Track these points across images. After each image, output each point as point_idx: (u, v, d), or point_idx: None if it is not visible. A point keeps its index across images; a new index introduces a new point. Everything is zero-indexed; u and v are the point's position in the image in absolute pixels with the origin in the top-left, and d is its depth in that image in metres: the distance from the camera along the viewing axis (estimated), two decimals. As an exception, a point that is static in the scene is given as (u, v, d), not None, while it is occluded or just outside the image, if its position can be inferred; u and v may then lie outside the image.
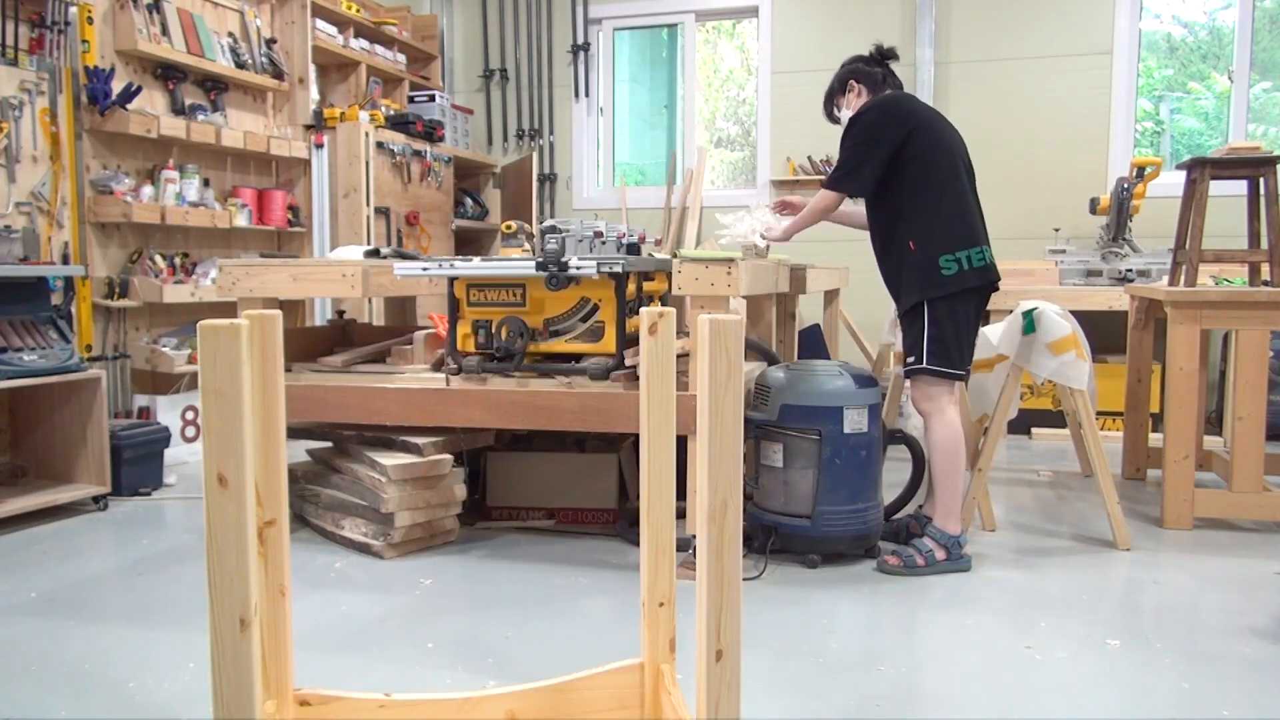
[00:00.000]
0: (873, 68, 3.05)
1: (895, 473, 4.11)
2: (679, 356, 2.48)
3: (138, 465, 3.79)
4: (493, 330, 2.98)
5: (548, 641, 2.33)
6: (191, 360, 4.31)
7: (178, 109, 4.54)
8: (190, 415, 4.38)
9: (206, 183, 4.71)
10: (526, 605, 2.57)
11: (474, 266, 2.94)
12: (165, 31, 4.42)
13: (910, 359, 2.89)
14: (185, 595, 2.65)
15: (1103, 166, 5.59)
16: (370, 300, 4.90)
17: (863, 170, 2.89)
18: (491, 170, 6.68)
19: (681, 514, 2.87)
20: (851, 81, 3.05)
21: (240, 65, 4.83)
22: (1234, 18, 5.49)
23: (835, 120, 3.14)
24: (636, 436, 2.96)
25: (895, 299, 2.99)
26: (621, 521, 3.24)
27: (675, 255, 2.83)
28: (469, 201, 6.49)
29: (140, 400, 4.31)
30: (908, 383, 3.01)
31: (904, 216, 2.90)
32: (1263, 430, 3.28)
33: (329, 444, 3.38)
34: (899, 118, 2.88)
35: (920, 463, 3.26)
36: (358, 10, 5.71)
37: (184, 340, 4.41)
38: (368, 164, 5.21)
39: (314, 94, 5.30)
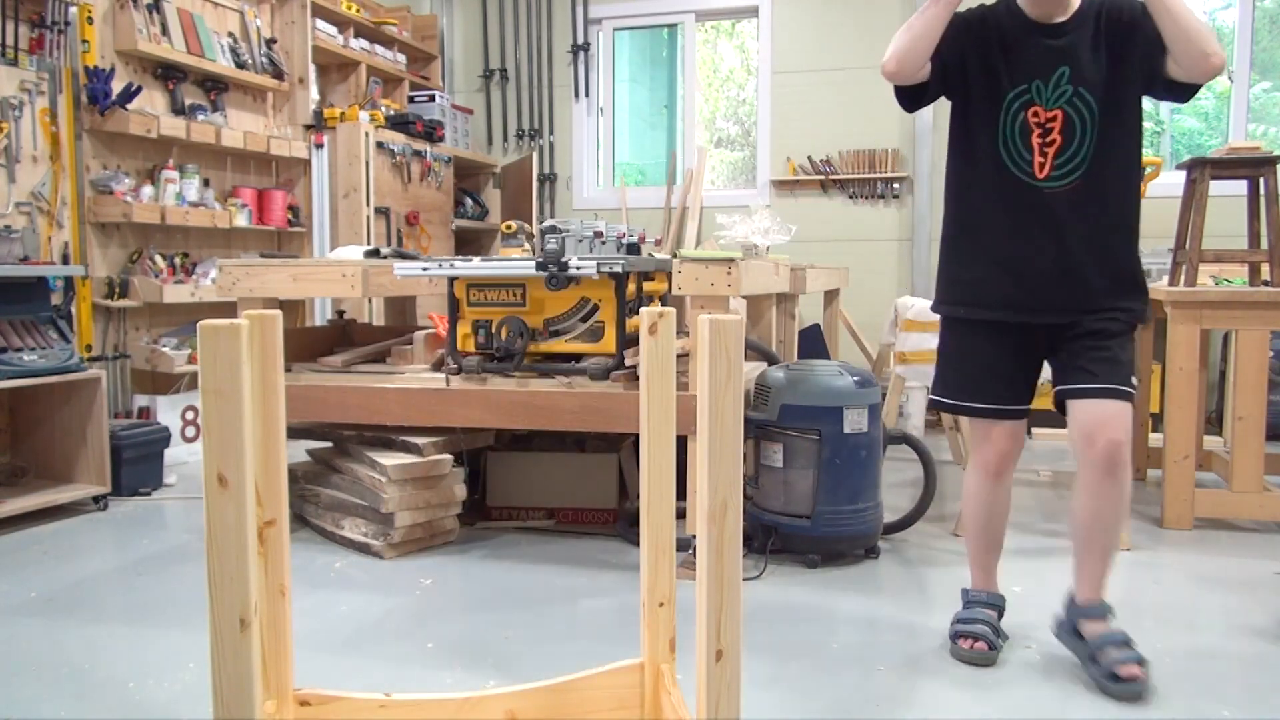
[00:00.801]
0: None
1: (895, 473, 4.12)
2: (679, 356, 2.48)
3: (138, 465, 3.79)
4: (493, 330, 2.98)
5: (548, 641, 2.33)
6: (191, 360, 4.31)
7: (178, 109, 4.54)
8: (190, 415, 4.38)
9: (206, 183, 4.71)
10: (526, 605, 2.57)
11: (474, 266, 2.94)
12: (165, 31, 4.42)
13: (1135, 380, 2.12)
14: (185, 595, 2.65)
15: (1103, 166, 5.58)
16: (370, 300, 4.89)
17: None
18: (491, 170, 6.68)
19: (681, 514, 2.87)
20: None
21: (240, 65, 4.83)
22: (1234, 18, 5.49)
23: None
24: (636, 436, 2.96)
25: (1092, 289, 2.11)
26: (621, 521, 3.24)
27: (675, 255, 2.83)
28: (469, 201, 6.49)
29: (140, 400, 4.31)
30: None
31: (1136, 187, 2.17)
32: (1263, 430, 3.28)
33: (329, 444, 3.38)
34: None
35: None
36: (358, 10, 5.71)
37: (184, 340, 4.41)
38: (368, 164, 5.22)
39: (314, 94, 5.30)
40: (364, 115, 5.29)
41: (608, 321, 2.93)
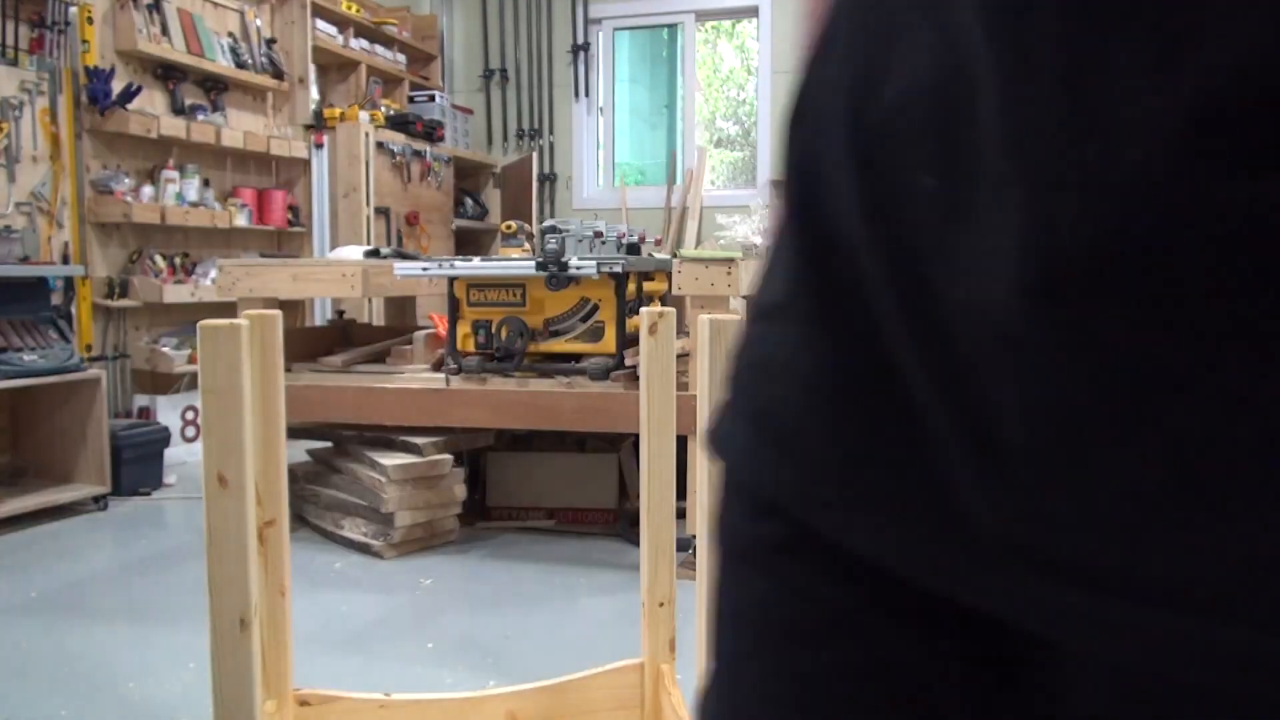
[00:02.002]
0: None
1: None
2: (679, 356, 2.48)
3: (138, 465, 3.79)
4: (493, 330, 2.98)
5: (548, 641, 2.33)
6: (191, 360, 4.31)
7: (178, 109, 4.54)
8: (190, 415, 4.38)
9: (206, 183, 4.71)
10: (526, 605, 2.57)
11: (474, 266, 2.94)
12: (165, 31, 4.42)
13: None
14: (185, 595, 2.65)
15: (1103, 166, 5.58)
16: (370, 300, 4.89)
17: None
18: (491, 170, 6.68)
19: (681, 514, 2.87)
20: None
21: (240, 65, 4.83)
22: (1234, 18, 5.49)
23: None
24: (636, 436, 2.96)
25: None
26: (621, 521, 3.23)
27: (675, 255, 2.83)
28: (469, 201, 6.49)
29: (140, 400, 4.31)
30: None
31: None
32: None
33: (329, 444, 3.38)
34: None
35: None
36: (358, 10, 5.71)
37: (184, 340, 4.41)
38: (368, 164, 5.21)
39: (314, 94, 5.30)
40: (364, 115, 5.29)
41: (608, 321, 2.93)
